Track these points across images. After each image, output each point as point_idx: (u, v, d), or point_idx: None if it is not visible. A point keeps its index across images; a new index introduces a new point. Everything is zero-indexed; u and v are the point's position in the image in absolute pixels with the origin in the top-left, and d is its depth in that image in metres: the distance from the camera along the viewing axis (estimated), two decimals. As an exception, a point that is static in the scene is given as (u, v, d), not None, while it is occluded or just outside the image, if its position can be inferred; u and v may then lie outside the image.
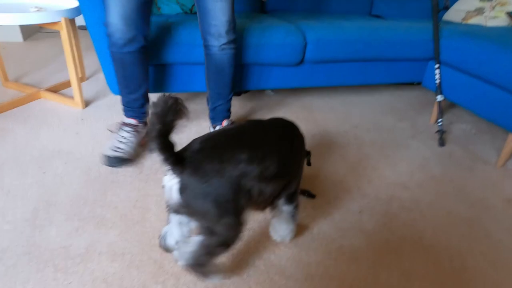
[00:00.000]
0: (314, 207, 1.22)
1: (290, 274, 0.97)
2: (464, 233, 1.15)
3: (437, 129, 1.70)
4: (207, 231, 0.80)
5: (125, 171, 1.35)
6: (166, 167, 0.74)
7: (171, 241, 0.90)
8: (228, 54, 1.36)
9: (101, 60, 1.51)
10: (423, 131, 1.80)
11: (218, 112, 1.52)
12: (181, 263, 0.87)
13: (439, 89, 1.72)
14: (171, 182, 0.75)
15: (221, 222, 0.78)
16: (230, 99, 1.51)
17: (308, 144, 1.62)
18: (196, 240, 0.82)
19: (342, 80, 1.86)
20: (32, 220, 1.10)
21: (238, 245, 1.05)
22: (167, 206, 0.84)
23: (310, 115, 1.90)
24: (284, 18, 1.91)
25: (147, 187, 1.27)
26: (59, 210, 1.14)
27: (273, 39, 1.58)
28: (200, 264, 0.84)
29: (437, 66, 1.72)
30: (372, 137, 1.71)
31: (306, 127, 1.76)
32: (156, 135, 0.69)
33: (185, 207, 0.77)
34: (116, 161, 1.36)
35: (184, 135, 1.62)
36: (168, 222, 0.89)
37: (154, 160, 1.43)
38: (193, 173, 0.74)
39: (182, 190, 0.74)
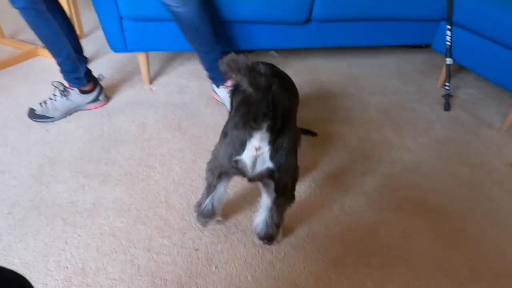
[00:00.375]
0: (316, 168, 1.21)
1: (293, 231, 0.98)
2: (466, 195, 1.16)
3: (443, 93, 1.65)
4: (281, 189, 0.80)
5: (128, 130, 1.33)
6: (260, 136, 0.71)
7: (219, 207, 0.91)
8: (191, 11, 1.23)
9: (100, 16, 1.42)
10: (429, 95, 1.75)
11: (217, 71, 1.44)
12: (257, 234, 0.91)
13: (449, 52, 1.64)
14: (259, 152, 0.73)
15: (294, 174, 0.81)
16: (221, 54, 1.41)
17: (313, 106, 1.58)
18: (267, 206, 0.85)
19: (350, 41, 1.77)
20: (38, 176, 1.10)
21: (243, 205, 1.06)
22: (222, 173, 0.82)
23: (315, 77, 1.83)
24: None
25: (151, 146, 1.26)
26: (64, 167, 1.14)
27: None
28: (278, 225, 0.87)
29: (449, 27, 1.63)
30: (377, 100, 1.66)
31: (311, 89, 1.71)
32: (271, 104, 0.64)
33: (276, 170, 0.75)
34: (34, 115, 1.33)
35: (186, 96, 1.58)
36: (211, 190, 0.88)
37: (156, 119, 1.40)
38: (283, 133, 0.73)
39: (274, 154, 0.73)
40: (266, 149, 0.73)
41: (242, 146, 0.74)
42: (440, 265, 0.92)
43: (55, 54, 1.29)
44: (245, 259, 0.90)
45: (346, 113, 1.55)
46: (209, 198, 0.90)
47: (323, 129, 1.42)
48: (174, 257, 0.89)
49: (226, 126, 0.82)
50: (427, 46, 2.23)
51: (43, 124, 1.33)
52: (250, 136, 0.72)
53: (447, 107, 1.61)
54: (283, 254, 0.92)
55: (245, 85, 0.62)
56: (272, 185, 0.79)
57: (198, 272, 0.86)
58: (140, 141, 1.28)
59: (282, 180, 0.78)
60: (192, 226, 0.98)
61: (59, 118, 1.35)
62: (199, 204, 0.93)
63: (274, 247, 0.93)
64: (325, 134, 1.40)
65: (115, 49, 1.52)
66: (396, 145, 1.37)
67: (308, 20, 1.60)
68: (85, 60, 1.36)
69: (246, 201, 1.06)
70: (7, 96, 1.48)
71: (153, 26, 1.48)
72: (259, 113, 0.65)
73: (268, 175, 0.77)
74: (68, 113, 1.38)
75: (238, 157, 0.75)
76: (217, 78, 1.47)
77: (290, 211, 1.03)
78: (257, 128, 0.68)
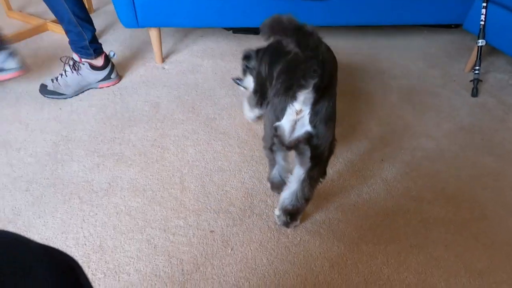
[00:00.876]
0: (335, 154, 1.23)
1: (309, 217, 1.02)
2: (488, 184, 1.17)
3: (472, 77, 1.63)
4: (317, 158, 0.84)
5: (141, 110, 1.36)
6: (304, 101, 0.75)
7: (287, 175, 0.95)
8: None
9: (111, -12, 1.43)
10: (456, 79, 1.73)
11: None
12: (283, 208, 0.94)
13: (482, 32, 1.61)
14: (299, 115, 0.77)
15: (331, 145, 0.86)
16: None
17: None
18: (299, 178, 0.87)
19: (373, 19, 1.74)
20: (54, 154, 1.15)
21: (259, 189, 1.10)
22: (273, 144, 0.86)
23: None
24: None
25: (164, 127, 1.29)
26: (79, 146, 1.19)
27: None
28: (307, 199, 0.90)
29: (484, 4, 1.58)
30: (400, 84, 1.66)
31: (329, 70, 1.70)
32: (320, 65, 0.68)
33: (314, 135, 0.79)
34: (45, 91, 1.37)
35: (200, 75, 1.60)
36: (273, 164, 0.95)
37: (169, 100, 1.43)
38: (324, 98, 0.76)
39: (313, 118, 0.77)
40: (306, 112, 0.76)
41: (282, 112, 0.78)
42: (458, 254, 0.95)
43: (59, 20, 1.33)
44: (261, 243, 0.94)
45: (366, 97, 1.55)
46: (274, 170, 0.97)
47: (342, 114, 1.43)
48: (190, 238, 0.94)
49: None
50: (456, 26, 2.18)
51: (56, 101, 1.37)
52: (294, 99, 0.75)
53: (475, 92, 1.60)
54: (298, 239, 0.96)
55: (291, 46, 0.64)
56: (308, 153, 0.82)
57: (214, 253, 0.91)
58: (154, 122, 1.31)
59: (319, 148, 0.81)
60: (207, 209, 1.02)
61: (71, 95, 1.40)
62: (269, 177, 1.01)
63: (289, 232, 0.97)
64: (344, 119, 1.41)
65: (126, 24, 1.54)
66: (417, 132, 1.37)
67: (329, -4, 1.58)
68: (90, 29, 1.37)
69: (261, 184, 1.10)
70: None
71: None
72: (309, 71, 0.67)
73: (306, 140, 0.80)
74: (80, 90, 1.42)
75: (277, 123, 0.80)
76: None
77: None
78: (305, 85, 0.71)
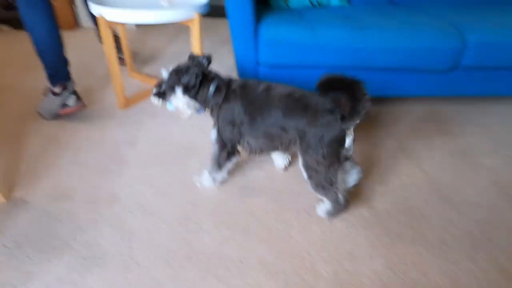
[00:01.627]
0: (429, 227, 1.12)
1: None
2: None
3: None
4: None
5: (258, 180, 1.38)
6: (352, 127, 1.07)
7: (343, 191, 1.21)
8: None
9: (238, 61, 1.52)
10: None
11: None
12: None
13: None
14: (351, 136, 1.09)
15: None
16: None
17: (439, 161, 1.48)
18: (352, 166, 1.20)
19: (495, 89, 1.65)
20: (185, 223, 1.19)
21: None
22: (342, 159, 1.13)
23: (443, 126, 1.73)
24: (424, 12, 1.72)
25: (283, 200, 1.29)
26: (206, 216, 1.22)
27: (422, 41, 1.44)
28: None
29: None
30: (494, 165, 1.49)
31: (440, 140, 1.61)
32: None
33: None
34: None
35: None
36: (337, 187, 1.15)
37: (287, 173, 1.44)
38: None
39: (353, 133, 1.10)
40: (351, 132, 1.09)
41: (343, 138, 1.08)
42: None
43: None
44: None
45: (489, 174, 1.42)
46: (339, 194, 1.17)
47: (459, 192, 1.32)
48: None
49: (322, 145, 1.08)
50: None
51: (181, 165, 1.45)
52: (348, 129, 1.07)
53: None
54: None
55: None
56: (350, 150, 1.13)
57: None
58: (273, 193, 1.32)
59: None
60: (345, 302, 0.96)
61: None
62: (340, 202, 1.18)
63: None
64: (462, 201, 1.30)
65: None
66: None
67: (453, 68, 1.53)
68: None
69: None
70: (143, 131, 1.66)
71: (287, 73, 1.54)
72: (354, 110, 1.01)
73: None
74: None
75: (344, 148, 1.09)
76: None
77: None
78: (354, 120, 1.03)
